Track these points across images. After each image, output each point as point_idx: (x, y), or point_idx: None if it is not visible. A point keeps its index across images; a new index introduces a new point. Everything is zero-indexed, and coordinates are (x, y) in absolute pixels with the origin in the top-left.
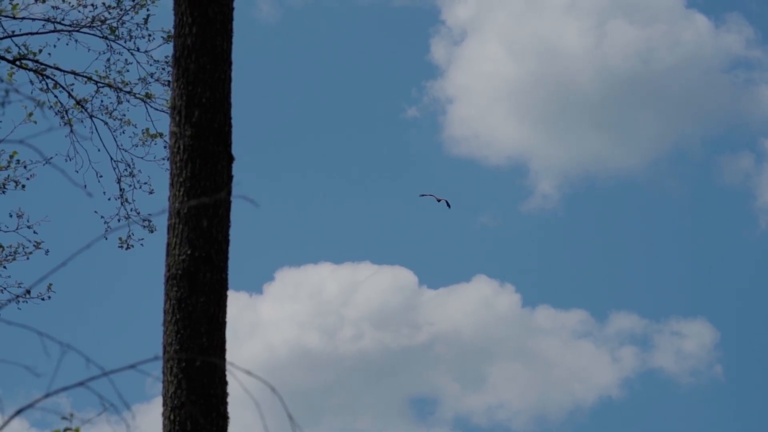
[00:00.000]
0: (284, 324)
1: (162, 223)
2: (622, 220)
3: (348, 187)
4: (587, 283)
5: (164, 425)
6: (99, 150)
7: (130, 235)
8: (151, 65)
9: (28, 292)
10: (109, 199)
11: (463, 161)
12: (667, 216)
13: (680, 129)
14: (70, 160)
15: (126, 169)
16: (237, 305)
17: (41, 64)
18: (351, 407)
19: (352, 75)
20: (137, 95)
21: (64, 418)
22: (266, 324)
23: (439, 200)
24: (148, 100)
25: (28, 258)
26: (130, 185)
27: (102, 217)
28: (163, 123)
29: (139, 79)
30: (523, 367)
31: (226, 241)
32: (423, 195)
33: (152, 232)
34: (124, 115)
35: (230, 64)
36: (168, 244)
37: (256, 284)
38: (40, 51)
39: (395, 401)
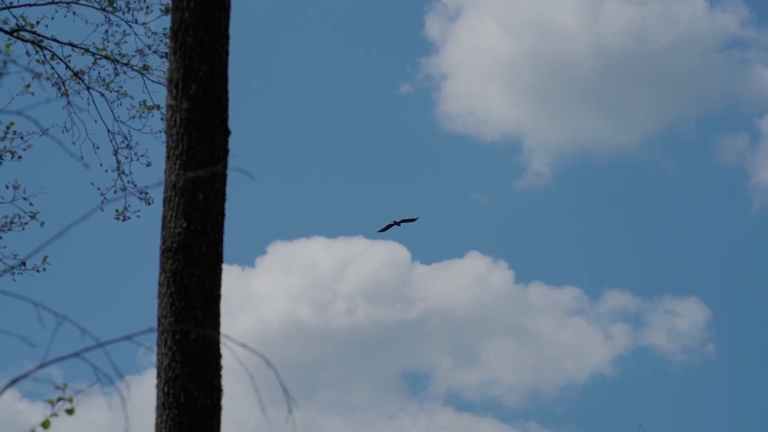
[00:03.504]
0: (277, 298)
1: (159, 195)
2: (616, 198)
3: (342, 163)
4: (580, 261)
5: (158, 397)
6: (96, 122)
7: (126, 207)
8: (148, 37)
9: (24, 263)
10: (106, 171)
11: (458, 138)
12: (662, 195)
13: (675, 108)
14: (66, 131)
15: (123, 141)
16: (229, 278)
17: (39, 35)
18: (343, 381)
19: (346, 51)
20: (134, 67)
21: (57, 387)
22: (259, 297)
23: (398, 224)
24: (146, 72)
25: (23, 228)
26: (127, 157)
27: (98, 188)
28: (160, 95)
29: (136, 51)
30: (516, 343)
31: (222, 215)
32: (394, 223)
33: (150, 204)
34: (121, 87)
35: (227, 38)
36: (163, 217)
37: (249, 258)
38: (38, 22)
39: (388, 376)
